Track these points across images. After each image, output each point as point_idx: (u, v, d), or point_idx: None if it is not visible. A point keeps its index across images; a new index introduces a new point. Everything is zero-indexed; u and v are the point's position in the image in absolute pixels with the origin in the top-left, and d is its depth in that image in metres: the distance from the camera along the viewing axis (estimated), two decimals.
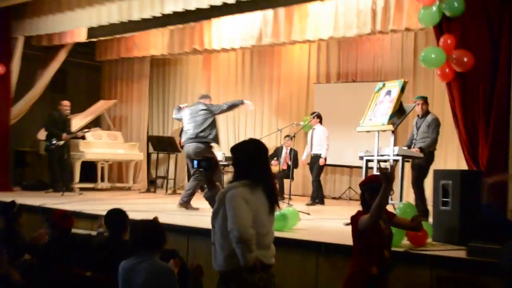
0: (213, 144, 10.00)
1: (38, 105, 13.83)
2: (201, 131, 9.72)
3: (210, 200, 4.21)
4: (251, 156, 4.09)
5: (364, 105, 9.04)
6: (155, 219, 4.79)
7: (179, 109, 10.47)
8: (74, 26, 11.52)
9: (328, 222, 8.48)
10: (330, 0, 9.95)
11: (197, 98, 14.61)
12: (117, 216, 5.58)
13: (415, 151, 8.53)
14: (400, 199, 7.97)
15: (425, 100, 9.05)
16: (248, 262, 3.85)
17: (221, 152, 13.67)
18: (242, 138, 14.50)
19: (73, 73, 15.74)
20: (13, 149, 13.58)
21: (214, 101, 14.42)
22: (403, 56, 12.48)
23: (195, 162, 4.32)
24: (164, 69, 16.04)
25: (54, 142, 11.96)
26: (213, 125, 9.87)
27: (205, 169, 4.29)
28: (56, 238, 5.83)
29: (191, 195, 9.74)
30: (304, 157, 11.92)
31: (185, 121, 9.96)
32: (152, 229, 4.49)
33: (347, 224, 7.96)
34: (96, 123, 14.56)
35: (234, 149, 4.16)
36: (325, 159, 11.36)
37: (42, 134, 13.37)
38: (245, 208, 3.87)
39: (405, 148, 8.57)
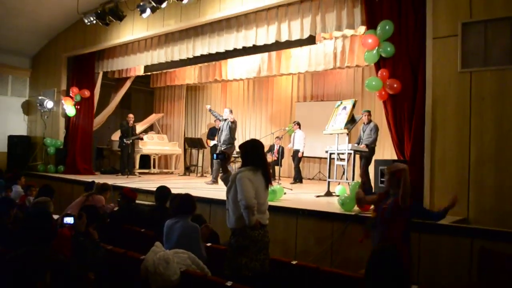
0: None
1: (112, 117, 13.81)
2: None
3: (225, 181, 4.18)
4: (253, 150, 4.05)
5: (329, 116, 9.00)
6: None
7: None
8: (136, 64, 11.41)
9: (305, 195, 8.44)
10: (306, 46, 9.88)
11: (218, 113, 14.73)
12: (162, 190, 5.55)
13: (362, 147, 8.50)
14: (353, 179, 7.93)
15: (369, 112, 9.04)
16: (251, 222, 3.83)
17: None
18: (247, 138, 14.49)
19: (135, 95, 15.70)
20: (95, 147, 13.54)
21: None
22: (355, 83, 12.40)
23: (214, 155, 4.30)
24: (195, 93, 15.94)
25: (124, 141, 11.92)
26: None
27: (221, 160, 4.27)
28: (124, 205, 5.78)
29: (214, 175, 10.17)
30: (289, 146, 11.88)
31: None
32: (186, 199, 4.47)
33: (318, 196, 7.98)
34: (150, 129, 14.55)
35: (242, 146, 4.12)
36: (302, 152, 11.31)
37: (114, 136, 13.35)
38: (250, 185, 3.84)
39: (356, 145, 8.55)
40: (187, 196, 4.48)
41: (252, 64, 11.54)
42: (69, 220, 3.62)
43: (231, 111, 10.39)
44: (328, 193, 7.99)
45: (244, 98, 14.93)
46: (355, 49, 9.46)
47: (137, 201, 6.56)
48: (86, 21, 10.18)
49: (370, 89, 6.69)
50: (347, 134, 8.14)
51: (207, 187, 9.34)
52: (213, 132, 13.40)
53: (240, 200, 3.82)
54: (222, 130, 10.25)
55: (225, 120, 10.27)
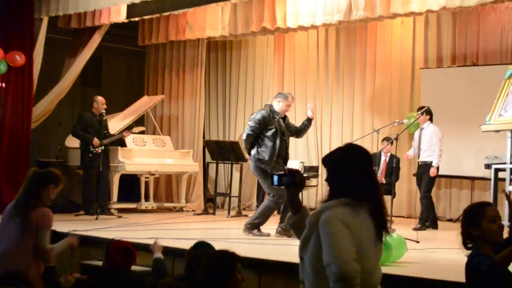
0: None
1: (66, 103, 14.12)
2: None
3: (296, 226, 4.14)
4: (351, 167, 4.00)
5: (489, 96, 8.88)
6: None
7: None
8: (111, 2, 11.65)
9: (444, 253, 8.30)
10: None
11: (267, 91, 14.64)
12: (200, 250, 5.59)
13: None
14: None
15: None
16: None
17: (298, 160, 13.64)
18: (326, 141, 14.54)
19: (110, 61, 16.01)
20: (35, 160, 13.78)
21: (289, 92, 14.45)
22: None
23: (275, 178, 4.26)
24: (225, 55, 16.12)
25: (91, 150, 12.07)
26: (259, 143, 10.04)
27: (288, 186, 4.23)
28: (107, 277, 5.78)
29: (260, 218, 9.89)
30: (410, 153, 11.84)
31: None
32: (221, 260, 4.49)
33: None
34: (138, 124, 14.65)
35: (328, 159, 4.07)
36: (438, 168, 11.22)
37: (70, 141, 13.56)
38: (347, 235, 3.77)
39: None
40: (224, 256, 4.50)
41: None
42: None
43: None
44: None
45: (318, 62, 14.96)
46: None
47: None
48: None
49: None
50: None
51: (251, 240, 9.39)
52: None
53: (327, 264, 3.76)
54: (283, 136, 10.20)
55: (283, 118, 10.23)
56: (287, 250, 7.70)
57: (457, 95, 12.78)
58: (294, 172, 4.27)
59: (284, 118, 10.19)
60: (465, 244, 4.63)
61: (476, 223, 4.50)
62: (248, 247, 8.26)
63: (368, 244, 3.91)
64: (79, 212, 12.37)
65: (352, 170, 4.01)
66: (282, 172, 4.30)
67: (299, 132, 10.37)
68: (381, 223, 3.98)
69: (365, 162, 4.07)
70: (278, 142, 9.89)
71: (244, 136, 10.21)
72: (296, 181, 4.23)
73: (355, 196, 3.93)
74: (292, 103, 10.23)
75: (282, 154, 10.06)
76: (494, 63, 12.54)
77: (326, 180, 4.07)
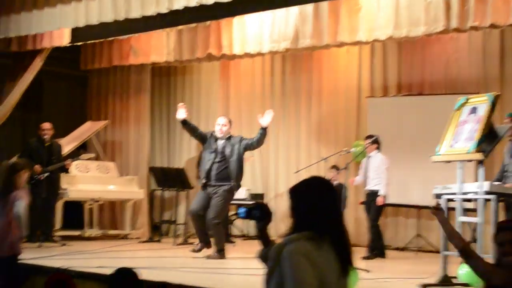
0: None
1: (6, 130, 13.84)
2: None
3: (266, 260, 4.11)
4: (316, 199, 3.98)
5: (434, 125, 8.97)
6: None
7: None
8: (55, 26, 11.52)
9: (395, 283, 8.34)
10: None
11: (213, 117, 14.73)
12: (126, 280, 5.49)
13: (511, 187, 8.44)
14: None
15: None
16: None
17: (244, 188, 13.62)
18: (272, 169, 14.54)
19: (51, 86, 15.78)
20: None
21: (235, 120, 14.53)
22: (486, 61, 12.35)
23: (243, 210, 4.24)
24: (170, 80, 16.07)
25: (34, 177, 11.91)
26: None
27: (258, 219, 4.22)
28: None
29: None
30: (357, 179, 11.96)
31: None
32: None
33: (426, 287, 7.85)
34: (81, 150, 14.43)
35: (293, 191, 4.06)
36: (385, 197, 11.29)
37: None
38: (309, 269, 3.74)
39: (497, 183, 8.46)
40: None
41: (283, 25, 11.58)
42: None
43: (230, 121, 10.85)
44: (445, 280, 7.92)
45: (264, 89, 15.00)
46: None
47: None
48: None
49: None
50: (481, 162, 8.07)
51: (206, 266, 9.35)
52: None
53: None
54: (219, 156, 10.61)
55: (227, 138, 10.71)
56: (236, 279, 7.66)
57: (403, 124, 12.91)
58: (262, 205, 4.26)
59: (229, 138, 10.73)
60: None
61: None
62: (199, 276, 8.20)
63: (332, 279, 3.88)
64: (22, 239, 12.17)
65: (317, 204, 3.99)
66: (251, 205, 4.29)
67: (257, 142, 10.82)
68: (345, 258, 3.95)
69: (330, 196, 4.05)
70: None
71: None
72: (264, 213, 4.24)
73: (319, 229, 3.89)
74: (220, 121, 10.88)
75: (211, 176, 10.63)
76: (439, 92, 12.74)
77: (290, 210, 4.06)
